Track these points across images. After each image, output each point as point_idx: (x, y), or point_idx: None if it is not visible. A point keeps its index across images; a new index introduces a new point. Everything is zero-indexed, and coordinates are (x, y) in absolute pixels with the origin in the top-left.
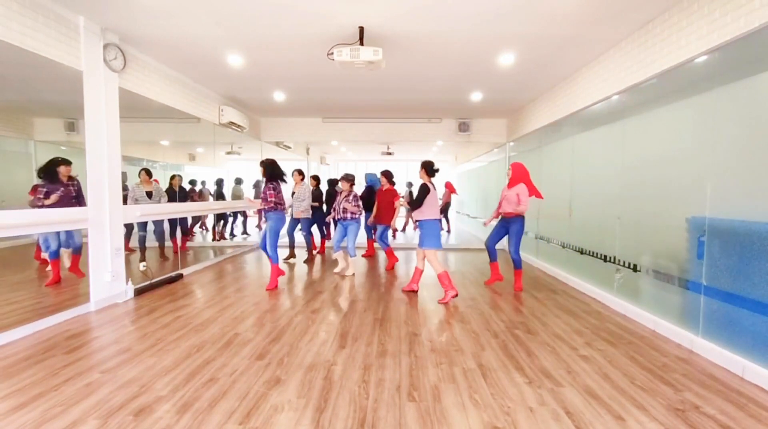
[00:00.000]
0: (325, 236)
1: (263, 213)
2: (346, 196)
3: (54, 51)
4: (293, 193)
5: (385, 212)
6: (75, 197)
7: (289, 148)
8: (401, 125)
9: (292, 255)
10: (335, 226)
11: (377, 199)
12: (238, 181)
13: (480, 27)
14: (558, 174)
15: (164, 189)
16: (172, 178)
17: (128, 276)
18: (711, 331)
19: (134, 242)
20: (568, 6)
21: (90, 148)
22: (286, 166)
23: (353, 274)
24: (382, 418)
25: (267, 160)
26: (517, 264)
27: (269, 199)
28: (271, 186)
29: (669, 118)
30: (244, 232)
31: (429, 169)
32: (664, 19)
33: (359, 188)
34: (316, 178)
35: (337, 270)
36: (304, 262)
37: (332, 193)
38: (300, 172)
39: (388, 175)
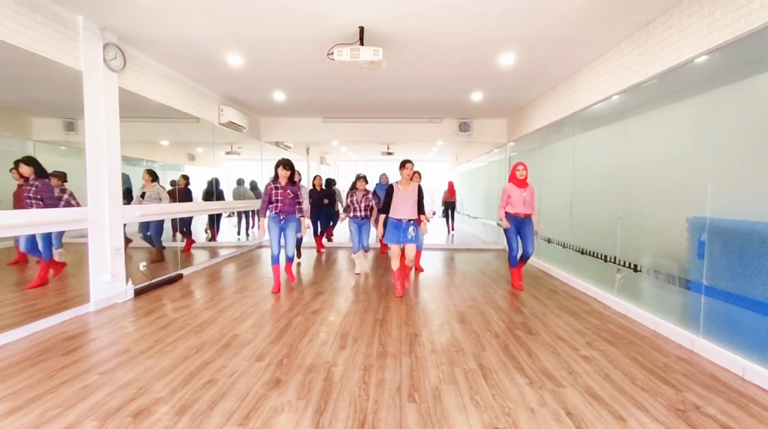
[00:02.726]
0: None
1: (286, 215)
2: (365, 195)
3: (53, 51)
4: None
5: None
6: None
7: (289, 148)
8: (402, 125)
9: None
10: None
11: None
12: (240, 182)
13: (481, 27)
14: (559, 174)
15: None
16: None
17: (128, 276)
18: (711, 331)
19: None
20: (569, 6)
21: (90, 148)
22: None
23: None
24: (382, 419)
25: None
26: (527, 258)
27: (300, 201)
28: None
29: (670, 118)
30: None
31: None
32: (665, 19)
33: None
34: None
35: (358, 270)
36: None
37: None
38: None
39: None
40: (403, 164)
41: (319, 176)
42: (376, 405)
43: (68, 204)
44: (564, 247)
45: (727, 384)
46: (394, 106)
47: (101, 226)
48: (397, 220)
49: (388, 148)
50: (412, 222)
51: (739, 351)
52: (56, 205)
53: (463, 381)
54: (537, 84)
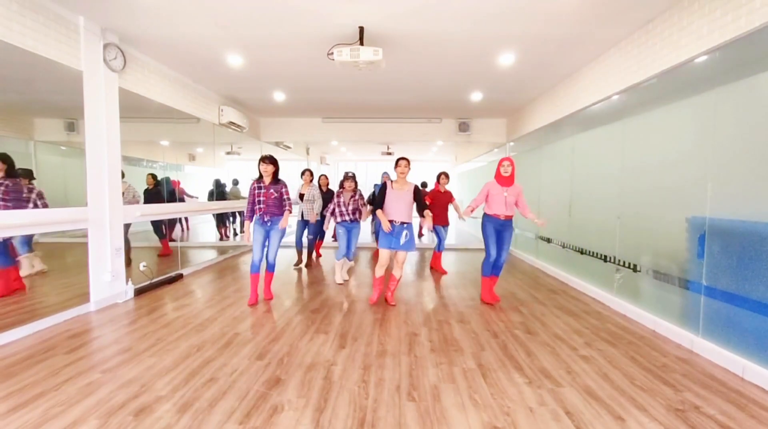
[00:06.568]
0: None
1: (271, 217)
2: (353, 196)
3: (54, 51)
4: (302, 195)
5: (441, 214)
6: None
7: (289, 148)
8: (401, 125)
9: (301, 261)
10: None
11: (431, 200)
12: (235, 183)
13: (480, 27)
14: (558, 174)
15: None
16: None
17: (128, 276)
18: (711, 331)
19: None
20: (568, 6)
21: (90, 148)
22: (285, 166)
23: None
24: (381, 418)
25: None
26: (500, 268)
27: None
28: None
29: (669, 117)
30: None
31: None
32: (664, 18)
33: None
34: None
35: (340, 280)
36: (306, 266)
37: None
38: (311, 173)
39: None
40: (397, 162)
41: (325, 175)
42: (376, 404)
43: (36, 205)
44: (563, 246)
45: (726, 384)
46: (393, 106)
47: (101, 226)
48: (390, 222)
49: (387, 148)
50: (405, 225)
51: (739, 351)
52: (24, 207)
53: (462, 380)
54: (536, 84)
